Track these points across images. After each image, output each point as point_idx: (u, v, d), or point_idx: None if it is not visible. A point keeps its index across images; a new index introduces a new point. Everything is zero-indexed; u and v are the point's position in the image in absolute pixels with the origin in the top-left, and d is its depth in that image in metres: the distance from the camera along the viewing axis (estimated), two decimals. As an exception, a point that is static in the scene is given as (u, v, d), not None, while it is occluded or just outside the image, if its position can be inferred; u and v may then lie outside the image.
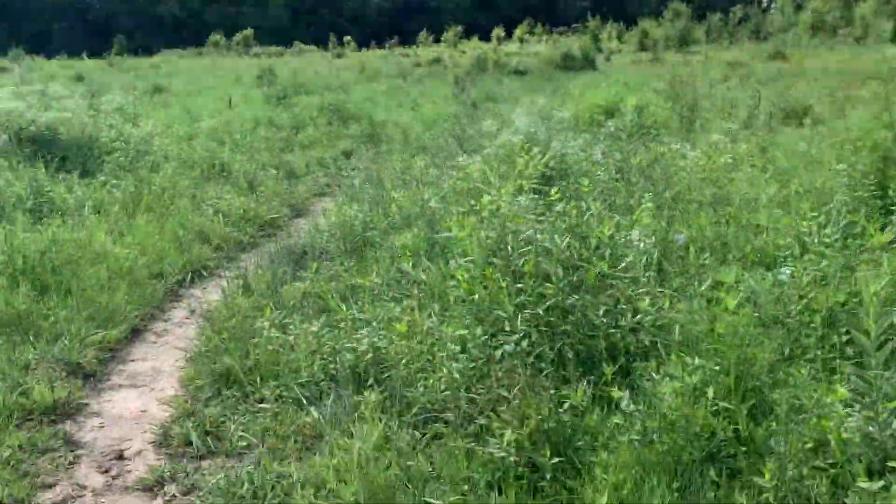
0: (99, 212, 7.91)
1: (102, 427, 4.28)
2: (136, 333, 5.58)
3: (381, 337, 4.23)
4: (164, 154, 10.39)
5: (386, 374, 4.05)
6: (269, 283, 5.88)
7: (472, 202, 6.32)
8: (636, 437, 3.14)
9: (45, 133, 9.46)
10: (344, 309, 4.87)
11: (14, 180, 7.82)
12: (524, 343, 3.68)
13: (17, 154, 8.87)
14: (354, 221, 6.76)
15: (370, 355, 4.13)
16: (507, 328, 3.82)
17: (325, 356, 4.41)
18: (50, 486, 3.68)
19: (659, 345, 3.64)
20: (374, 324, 4.52)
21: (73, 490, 3.66)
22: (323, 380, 4.24)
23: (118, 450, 4.03)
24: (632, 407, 3.22)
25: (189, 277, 6.89)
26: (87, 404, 4.51)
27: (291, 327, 4.92)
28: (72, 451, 4.01)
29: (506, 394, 3.49)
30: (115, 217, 7.58)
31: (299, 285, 5.65)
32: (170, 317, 6.04)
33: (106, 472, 3.84)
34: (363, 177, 9.39)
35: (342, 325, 4.66)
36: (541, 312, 3.83)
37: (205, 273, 7.08)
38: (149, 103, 15.86)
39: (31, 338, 4.97)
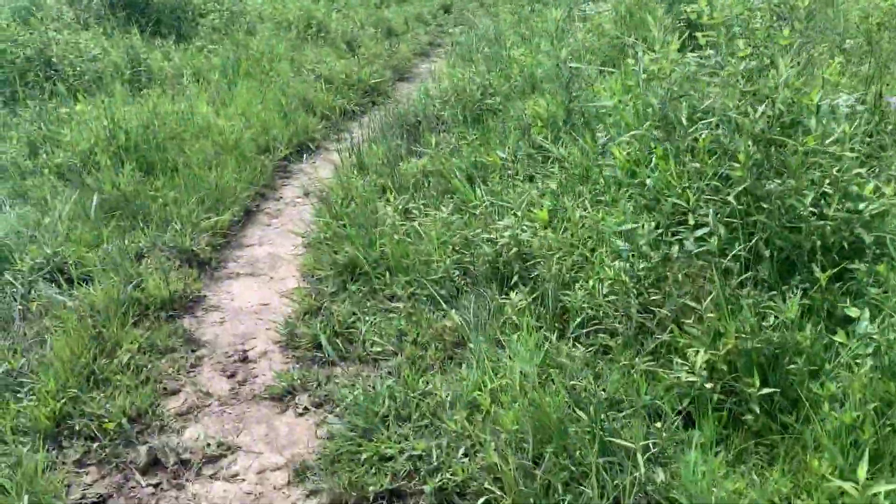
0: (198, 80, 7.39)
1: (223, 323, 3.91)
2: (248, 215, 5.15)
3: (523, 228, 3.60)
4: (258, 14, 9.67)
5: (533, 273, 3.46)
6: (383, 158, 5.28)
7: (614, 61, 5.47)
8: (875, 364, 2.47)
9: (137, -4, 8.87)
10: (473, 192, 4.25)
11: (110, 48, 7.33)
12: (712, 239, 2.98)
13: (111, 20, 8.33)
14: (470, 86, 5.98)
15: (513, 250, 3.52)
16: (689, 220, 3.12)
17: (457, 248, 3.84)
18: (173, 394, 3.35)
19: (889, 242, 2.88)
20: (512, 211, 3.89)
21: (197, 398, 3.31)
22: (459, 275, 3.69)
23: (242, 350, 3.65)
24: (869, 327, 2.51)
25: (296, 150, 6.38)
26: (204, 296, 4.14)
27: (415, 211, 4.36)
28: (193, 350, 3.66)
29: (693, 303, 2.85)
30: (215, 86, 7.04)
31: (417, 162, 5.02)
32: (281, 195, 5.57)
33: (231, 376, 3.47)
34: (472, 33, 8.48)
35: (476, 211, 4.05)
36: (730, 199, 3.09)
37: (311, 146, 6.54)
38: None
39: (140, 223, 4.59)
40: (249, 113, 6.49)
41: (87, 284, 3.94)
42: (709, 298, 2.79)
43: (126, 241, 4.38)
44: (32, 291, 3.88)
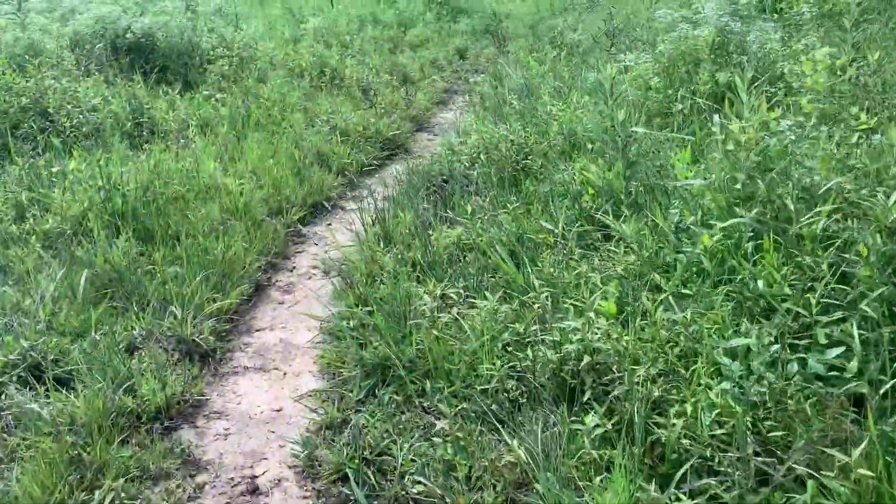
0: (205, 132, 6.82)
1: (228, 436, 3.23)
2: (258, 291, 4.51)
3: (594, 331, 2.94)
4: (269, 60, 9.14)
5: (608, 388, 2.79)
6: (410, 226, 4.66)
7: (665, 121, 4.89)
8: None
9: (142, 41, 8.34)
10: (520, 272, 3.62)
11: (111, 97, 6.76)
12: (851, 363, 2.33)
13: (114, 66, 7.80)
14: (504, 143, 5.38)
15: (584, 360, 2.87)
16: (813, 333, 2.47)
17: (510, 348, 3.19)
18: (167, 539, 2.67)
19: None
20: (574, 304, 3.24)
21: (197, 548, 2.64)
22: (514, 385, 3.03)
23: (251, 477, 2.97)
24: None
25: (311, 211, 5.77)
26: (207, 399, 3.48)
27: (454, 295, 3.71)
28: (192, 475, 2.98)
29: (834, 451, 2.19)
30: (223, 139, 6.45)
31: (451, 231, 4.39)
32: (294, 265, 4.93)
33: (238, 513, 2.80)
34: (496, 82, 7.93)
35: (527, 298, 3.41)
36: (865, 309, 2.45)
37: (327, 205, 5.93)
38: (247, 2, 14.53)
39: (135, 304, 3.94)
40: (260, 169, 5.89)
41: (68, 388, 3.28)
42: (860, 444, 2.12)
43: (117, 327, 3.73)
44: (3, 397, 3.22)
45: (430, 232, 4.52)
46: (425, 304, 3.48)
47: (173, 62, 8.33)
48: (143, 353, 3.59)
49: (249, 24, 10.84)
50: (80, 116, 6.35)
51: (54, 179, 5.20)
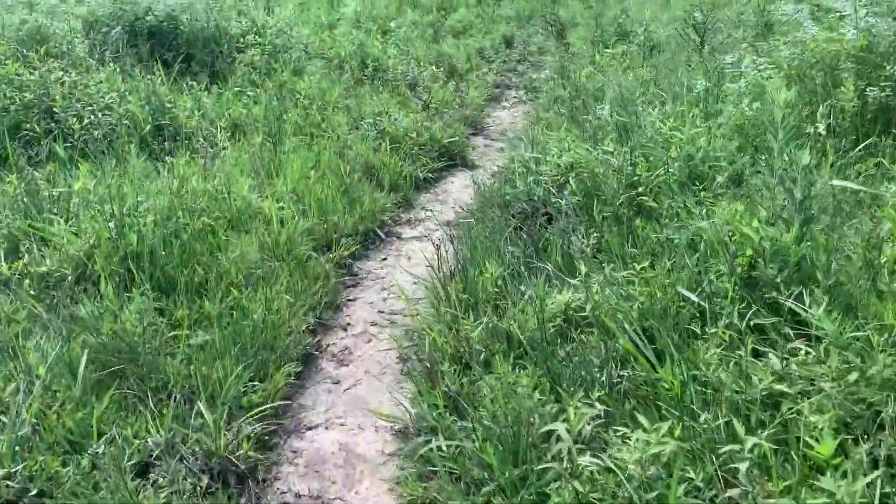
0: (236, 135, 5.80)
1: None
2: (306, 362, 3.50)
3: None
4: (304, 49, 8.07)
5: None
6: (498, 281, 3.62)
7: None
8: None
9: (164, 25, 7.29)
10: (672, 373, 2.58)
11: (128, 94, 5.73)
12: None
13: (131, 55, 6.76)
14: (599, 168, 4.32)
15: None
16: None
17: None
18: None
19: None
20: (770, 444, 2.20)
21: None
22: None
23: None
24: None
25: (362, 240, 4.75)
26: (245, 551, 2.49)
27: (586, 410, 2.68)
28: None
29: None
30: (258, 147, 5.41)
31: (557, 298, 3.34)
32: (348, 320, 3.91)
33: None
34: (561, 82, 6.83)
35: (697, 423, 2.38)
36: None
37: (380, 232, 4.90)
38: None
39: (149, 395, 2.94)
40: (302, 188, 4.86)
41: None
42: None
43: (126, 431, 2.73)
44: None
45: (524, 288, 3.49)
46: (558, 440, 2.44)
47: (199, 50, 7.27)
48: (160, 476, 2.59)
49: (282, 6, 9.74)
50: (92, 117, 5.33)
51: (56, 202, 4.20)
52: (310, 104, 6.61)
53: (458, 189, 5.72)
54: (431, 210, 5.26)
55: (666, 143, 4.21)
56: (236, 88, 6.49)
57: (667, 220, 3.73)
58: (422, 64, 8.60)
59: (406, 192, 5.47)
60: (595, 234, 3.89)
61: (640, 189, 4.07)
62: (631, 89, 5.34)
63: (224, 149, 5.34)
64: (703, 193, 3.87)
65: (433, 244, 3.99)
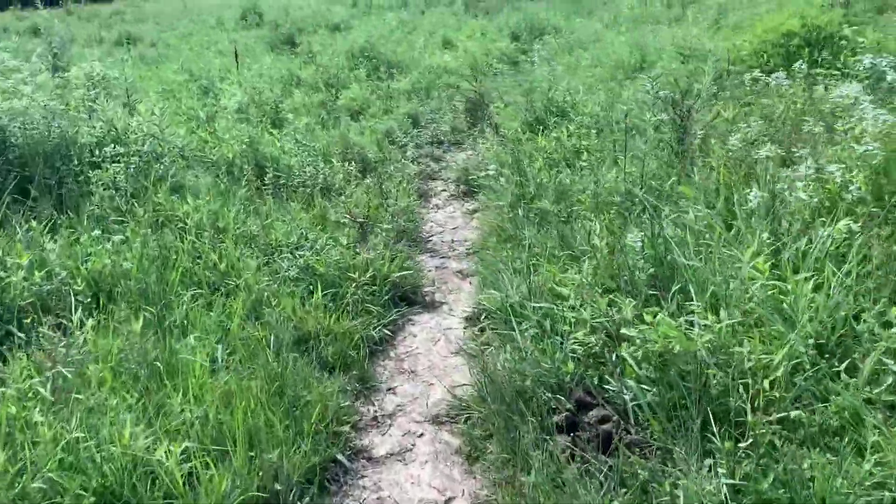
0: (100, 306, 3.93)
1: None
2: None
3: None
4: (181, 154, 6.24)
5: None
6: None
7: None
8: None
9: (-12, 140, 5.31)
10: None
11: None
12: None
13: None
14: (681, 345, 2.86)
15: None
16: None
17: None
18: None
19: None
20: None
21: None
22: None
23: None
24: None
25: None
26: None
27: None
28: None
29: None
30: (137, 334, 3.57)
31: None
32: None
33: None
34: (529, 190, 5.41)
35: None
36: None
37: (343, 458, 3.19)
38: (132, 64, 11.35)
39: None
40: (212, 407, 3.09)
41: None
42: None
43: None
44: None
45: None
46: None
47: (39, 170, 5.31)
48: None
49: (143, 97, 7.82)
50: None
51: None
52: (199, 236, 4.82)
53: (426, 346, 4.11)
54: (400, 402, 3.60)
55: (776, 306, 2.80)
56: (94, 231, 4.59)
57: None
58: (327, 158, 6.98)
59: (361, 367, 3.79)
60: (725, 462, 2.41)
61: (758, 379, 2.63)
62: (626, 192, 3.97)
63: (84, 338, 3.46)
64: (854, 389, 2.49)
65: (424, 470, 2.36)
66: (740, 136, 4.71)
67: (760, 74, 5.62)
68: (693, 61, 8.70)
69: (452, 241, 5.58)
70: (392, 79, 11.16)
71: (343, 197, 6.01)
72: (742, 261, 2.91)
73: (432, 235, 5.78)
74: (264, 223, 5.16)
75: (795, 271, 3.00)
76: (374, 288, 4.39)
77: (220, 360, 3.58)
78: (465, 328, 4.22)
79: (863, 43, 7.14)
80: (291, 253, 4.67)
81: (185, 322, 3.90)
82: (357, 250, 4.78)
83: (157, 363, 3.32)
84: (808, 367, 2.54)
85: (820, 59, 7.12)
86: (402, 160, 7.52)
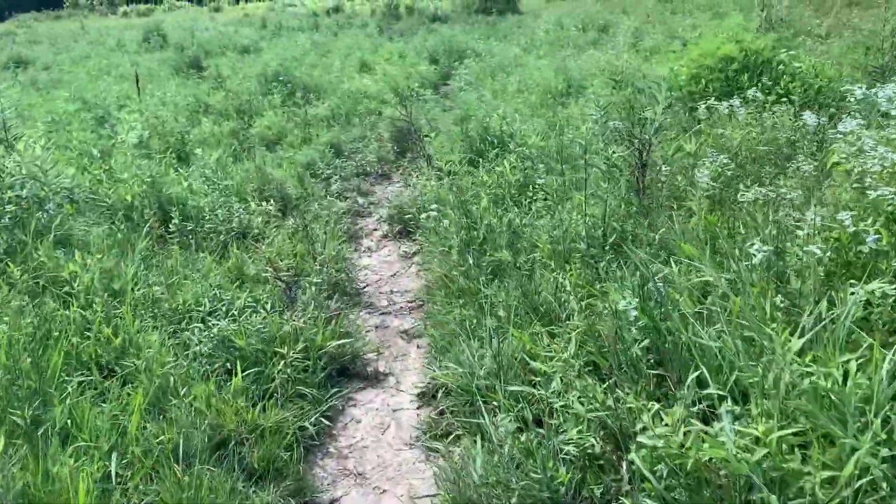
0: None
1: None
2: None
3: None
4: (70, 198, 5.27)
5: None
6: None
7: None
8: None
9: None
10: None
11: None
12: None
13: None
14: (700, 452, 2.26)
15: None
16: None
17: None
18: None
19: None
20: None
21: None
22: None
23: None
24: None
25: None
26: None
27: None
28: None
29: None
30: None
31: None
32: None
33: None
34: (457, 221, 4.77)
35: None
36: None
37: None
38: (17, 89, 10.08)
39: None
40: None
41: None
42: None
43: None
44: None
45: None
46: None
47: None
48: None
49: (29, 129, 6.74)
50: None
51: None
52: (90, 302, 3.94)
53: (374, 436, 3.37)
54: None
55: (819, 398, 2.23)
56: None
57: None
58: (244, 197, 6.15)
59: (295, 473, 3.02)
60: None
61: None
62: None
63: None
64: None
65: None
66: (709, 172, 4.23)
67: (715, 102, 5.20)
68: (624, 87, 8.35)
69: (392, 293, 4.87)
70: (309, 104, 10.36)
71: (263, 244, 5.21)
72: (772, 339, 2.35)
73: (367, 285, 5.05)
74: (169, 282, 4.31)
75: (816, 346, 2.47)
76: (307, 363, 3.63)
77: (112, 479, 2.74)
78: (418, 408, 3.51)
79: (800, 68, 6.92)
80: (203, 321, 3.85)
81: (69, 423, 3.03)
82: (283, 315, 4.00)
83: (22, 500, 2.46)
84: (883, 486, 1.98)
85: (759, 84, 6.85)
86: (327, 196, 6.76)
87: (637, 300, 2.85)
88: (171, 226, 5.13)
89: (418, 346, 4.09)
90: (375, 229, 6.24)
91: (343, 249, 5.51)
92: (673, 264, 3.33)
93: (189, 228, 5.21)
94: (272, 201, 6.17)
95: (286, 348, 3.55)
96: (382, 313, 4.58)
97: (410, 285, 4.98)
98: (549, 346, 3.14)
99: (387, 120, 9.40)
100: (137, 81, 10.18)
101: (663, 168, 4.37)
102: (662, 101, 4.93)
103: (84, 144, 6.54)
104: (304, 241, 5.23)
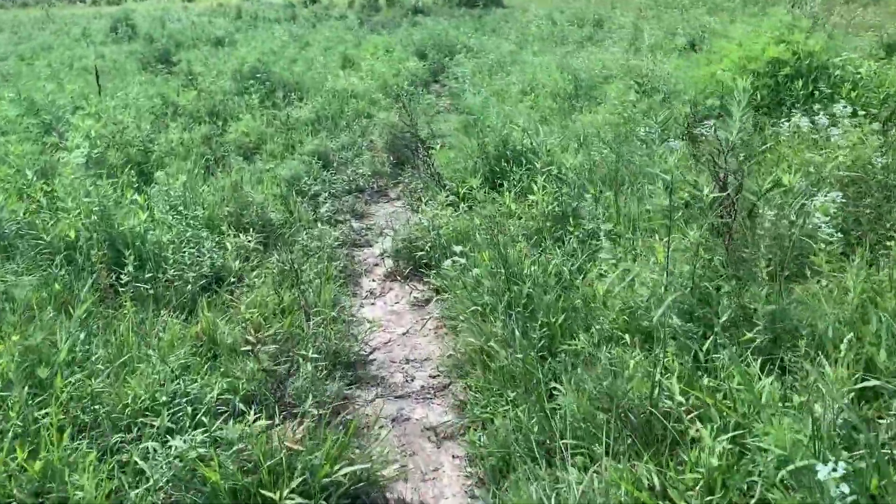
0: None
1: None
2: None
3: None
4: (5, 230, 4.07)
5: None
6: None
7: None
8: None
9: None
10: None
11: None
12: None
13: None
14: None
15: None
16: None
17: None
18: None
19: None
20: None
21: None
22: None
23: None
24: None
25: None
26: None
27: None
28: None
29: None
30: None
31: None
32: None
33: None
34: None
35: None
36: None
37: None
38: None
39: None
40: None
41: None
42: None
43: None
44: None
45: None
46: None
47: None
48: None
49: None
50: None
51: None
52: (2, 400, 2.77)
53: None
54: None
55: None
56: None
57: None
58: (217, 226, 4.99)
59: None
60: None
61: None
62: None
63: None
64: None
65: None
66: (827, 218, 3.18)
67: (805, 120, 4.16)
68: (650, 91, 7.28)
69: (407, 362, 3.75)
70: (291, 105, 9.15)
71: (241, 294, 4.06)
72: None
73: (375, 350, 3.92)
74: (117, 362, 3.15)
75: None
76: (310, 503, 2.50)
77: None
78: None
79: (859, 74, 5.91)
80: (160, 439, 2.70)
81: None
82: (272, 420, 2.87)
83: None
84: None
85: (817, 93, 5.83)
86: (317, 220, 5.60)
87: (848, 464, 1.77)
88: (124, 273, 3.95)
89: (454, 457, 2.98)
90: (377, 264, 5.11)
91: (340, 295, 4.38)
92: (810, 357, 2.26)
93: (147, 276, 4.04)
94: (251, 231, 5.02)
95: (277, 492, 2.42)
96: (399, 396, 3.46)
97: (429, 349, 3.87)
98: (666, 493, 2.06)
99: (379, 124, 8.23)
100: (98, 78, 8.86)
101: (766, 212, 3.30)
102: (738, 118, 3.87)
103: (22, 160, 5.29)
104: (292, 289, 4.10)
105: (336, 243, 5.23)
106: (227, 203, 5.38)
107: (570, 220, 4.30)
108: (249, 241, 4.82)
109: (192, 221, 4.78)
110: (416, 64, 12.50)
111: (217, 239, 4.73)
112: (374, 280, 4.85)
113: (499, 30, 17.61)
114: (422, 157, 5.82)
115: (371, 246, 5.45)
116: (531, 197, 4.47)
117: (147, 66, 12.54)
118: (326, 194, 6.28)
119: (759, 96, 5.97)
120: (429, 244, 4.62)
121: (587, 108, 7.69)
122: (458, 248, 4.01)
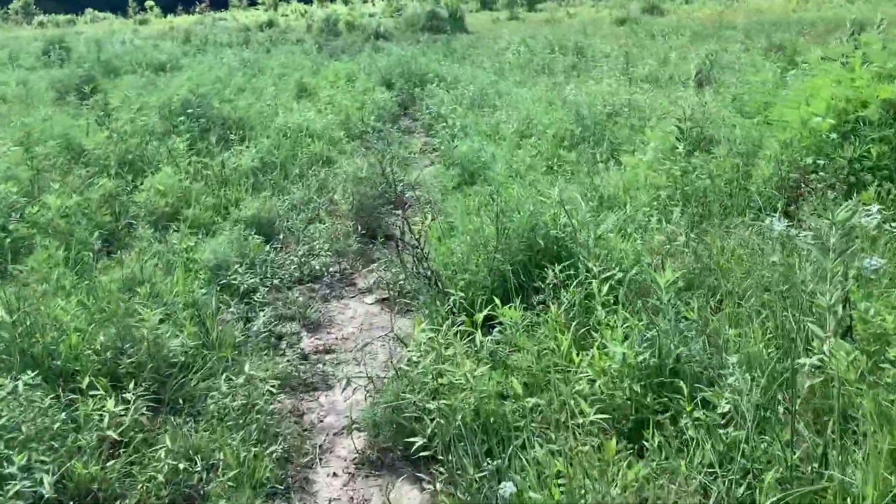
0: None
1: None
2: None
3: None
4: None
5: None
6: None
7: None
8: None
9: None
10: None
11: None
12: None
13: None
14: None
15: None
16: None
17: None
18: None
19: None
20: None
21: None
22: None
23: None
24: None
25: None
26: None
27: None
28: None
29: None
30: None
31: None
32: None
33: None
34: None
35: None
36: None
37: None
38: None
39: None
40: None
41: None
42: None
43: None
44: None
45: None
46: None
47: None
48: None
49: None
50: None
51: None
52: None
53: None
54: None
55: None
56: None
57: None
58: (76, 387, 2.92)
59: None
60: None
61: None
62: None
63: None
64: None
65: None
66: None
67: None
68: (697, 140, 5.43)
69: None
70: (229, 149, 7.08)
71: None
72: None
73: None
74: None
75: None
76: None
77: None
78: None
79: None
80: None
81: None
82: None
83: None
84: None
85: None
86: (247, 341, 3.57)
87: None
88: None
89: None
90: (339, 433, 3.08)
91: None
92: None
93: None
94: (136, 382, 2.96)
95: None
96: None
97: None
98: None
99: (341, 174, 6.23)
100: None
101: None
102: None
103: None
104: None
105: (275, 390, 3.20)
106: (106, 325, 3.31)
107: (680, 382, 2.37)
108: (125, 410, 2.76)
109: (26, 379, 2.70)
110: (382, 95, 10.55)
111: (70, 408, 2.67)
112: (334, 474, 2.83)
113: (469, 57, 15.80)
114: (408, 242, 3.82)
115: (330, 388, 3.43)
116: (612, 351, 2.51)
117: (65, 95, 10.31)
118: (266, 289, 4.25)
119: (872, 153, 4.17)
120: (432, 421, 2.62)
121: (607, 154, 5.83)
122: (507, 486, 2.01)
